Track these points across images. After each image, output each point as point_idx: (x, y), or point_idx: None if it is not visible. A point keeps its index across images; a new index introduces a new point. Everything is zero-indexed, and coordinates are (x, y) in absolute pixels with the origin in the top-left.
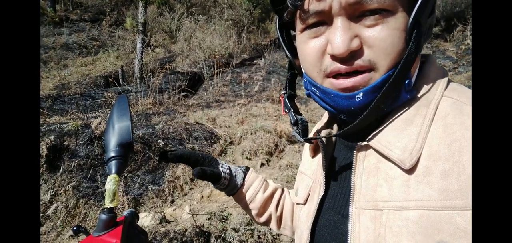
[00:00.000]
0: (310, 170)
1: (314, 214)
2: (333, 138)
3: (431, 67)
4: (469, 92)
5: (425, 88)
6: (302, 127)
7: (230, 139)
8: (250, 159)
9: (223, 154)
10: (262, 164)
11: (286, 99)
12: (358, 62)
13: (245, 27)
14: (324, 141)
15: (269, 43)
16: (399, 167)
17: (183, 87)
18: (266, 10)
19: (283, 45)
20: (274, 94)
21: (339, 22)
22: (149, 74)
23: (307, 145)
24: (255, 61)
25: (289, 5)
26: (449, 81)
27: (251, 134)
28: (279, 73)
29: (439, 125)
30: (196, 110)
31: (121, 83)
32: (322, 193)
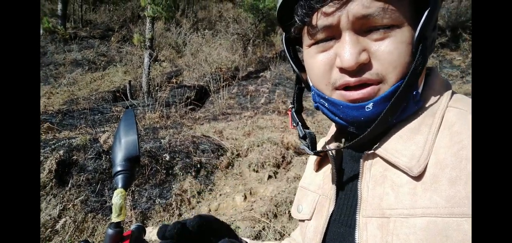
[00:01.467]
0: (314, 184)
1: (324, 229)
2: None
3: (435, 79)
4: None
5: (430, 99)
6: (310, 140)
7: (237, 151)
8: (257, 171)
9: (230, 167)
10: (270, 176)
11: (294, 113)
12: (367, 76)
13: (251, 41)
14: (334, 154)
15: (275, 55)
16: (406, 174)
17: (190, 100)
18: (271, 23)
19: (290, 60)
20: (280, 106)
21: (347, 36)
22: (156, 88)
23: (310, 159)
24: (261, 74)
25: (297, 21)
26: (453, 93)
27: (258, 146)
28: (285, 85)
29: (446, 134)
30: (203, 123)
31: (128, 97)
32: (332, 207)
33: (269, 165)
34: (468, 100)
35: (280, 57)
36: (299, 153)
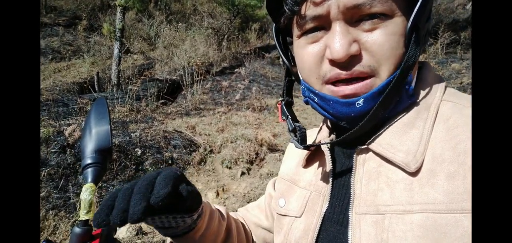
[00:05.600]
0: (304, 181)
1: (318, 227)
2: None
3: (428, 73)
4: (467, 96)
5: (424, 92)
6: (300, 134)
7: (210, 147)
8: (230, 168)
9: (202, 163)
10: (243, 173)
11: (284, 106)
12: (358, 68)
13: (225, 36)
14: (328, 149)
15: (250, 52)
16: (403, 170)
17: (161, 94)
18: (246, 19)
19: (280, 51)
20: (255, 103)
21: (338, 27)
22: (126, 81)
23: (293, 151)
24: (235, 69)
25: (287, 11)
26: (446, 87)
27: (232, 142)
28: (259, 82)
29: (441, 128)
30: (175, 118)
31: (96, 89)
32: (326, 205)
33: (242, 161)
34: (462, 95)
35: (255, 54)
36: (272, 149)
